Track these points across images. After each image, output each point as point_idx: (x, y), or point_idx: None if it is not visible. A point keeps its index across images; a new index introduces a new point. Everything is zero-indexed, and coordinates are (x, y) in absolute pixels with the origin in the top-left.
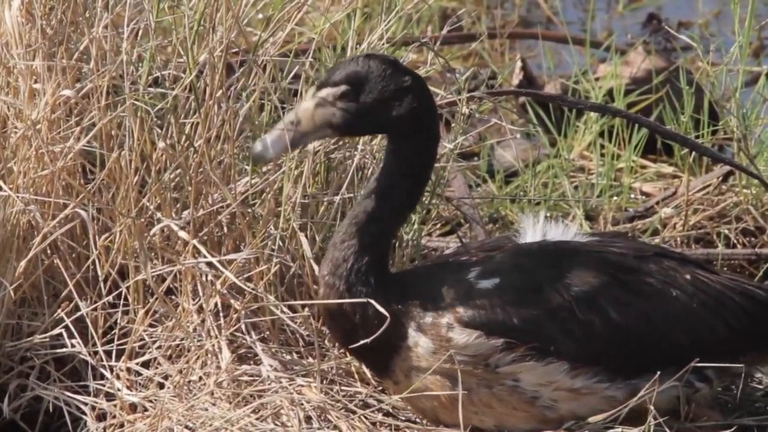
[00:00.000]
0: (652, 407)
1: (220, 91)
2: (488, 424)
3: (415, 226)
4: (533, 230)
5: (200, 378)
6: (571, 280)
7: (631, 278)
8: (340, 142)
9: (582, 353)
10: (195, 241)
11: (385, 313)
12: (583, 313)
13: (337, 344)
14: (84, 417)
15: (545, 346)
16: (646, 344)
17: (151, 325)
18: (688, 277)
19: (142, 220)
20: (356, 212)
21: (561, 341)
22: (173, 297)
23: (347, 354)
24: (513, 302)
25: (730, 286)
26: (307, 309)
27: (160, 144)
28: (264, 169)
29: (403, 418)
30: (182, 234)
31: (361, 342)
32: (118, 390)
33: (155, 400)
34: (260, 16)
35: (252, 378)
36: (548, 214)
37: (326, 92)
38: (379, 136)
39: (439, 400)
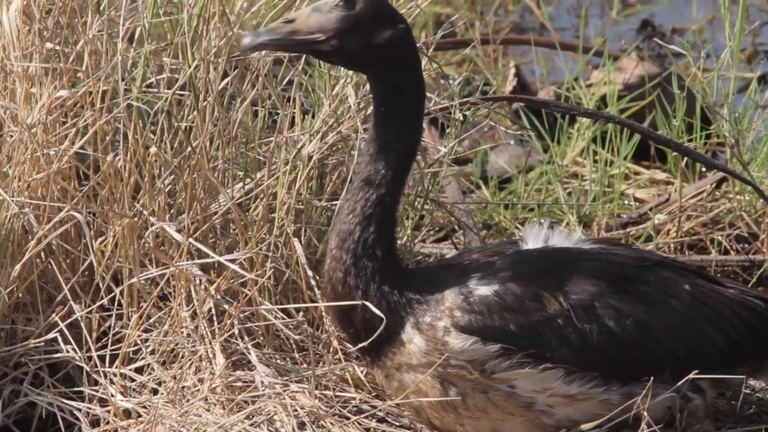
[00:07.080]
0: (645, 413)
1: (214, 93)
2: (484, 429)
3: (409, 232)
4: (535, 237)
5: (194, 384)
6: (570, 288)
7: (630, 287)
8: (334, 149)
9: (578, 360)
10: (191, 239)
11: (380, 314)
12: (580, 321)
13: (334, 324)
14: (78, 423)
15: (542, 353)
16: (642, 353)
17: (145, 330)
18: (687, 287)
19: (135, 218)
20: (356, 182)
21: (557, 349)
22: (167, 302)
23: (341, 331)
24: (511, 309)
25: (731, 297)
26: (301, 314)
27: (152, 149)
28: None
29: (397, 425)
30: (175, 235)
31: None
32: (112, 396)
33: (149, 405)
34: (254, 22)
35: (246, 384)
36: (544, 220)
37: (323, 1)
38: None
39: (431, 401)
